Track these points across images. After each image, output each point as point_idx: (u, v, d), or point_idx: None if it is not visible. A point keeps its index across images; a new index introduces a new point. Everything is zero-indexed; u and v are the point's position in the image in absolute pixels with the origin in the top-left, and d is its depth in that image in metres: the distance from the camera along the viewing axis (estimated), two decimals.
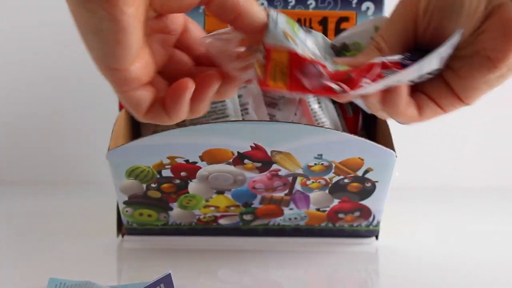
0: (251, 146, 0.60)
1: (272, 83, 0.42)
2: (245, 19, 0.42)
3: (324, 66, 0.43)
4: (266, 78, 0.42)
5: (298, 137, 0.59)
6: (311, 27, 0.70)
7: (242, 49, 0.43)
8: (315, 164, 0.62)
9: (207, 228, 0.70)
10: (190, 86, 0.41)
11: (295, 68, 0.42)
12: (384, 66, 0.43)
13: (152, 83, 0.42)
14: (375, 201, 0.66)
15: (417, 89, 0.46)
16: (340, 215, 0.68)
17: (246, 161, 0.61)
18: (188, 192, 0.65)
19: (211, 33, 0.44)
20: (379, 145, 0.61)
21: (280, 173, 0.63)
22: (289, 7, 0.70)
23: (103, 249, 0.68)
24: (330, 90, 0.42)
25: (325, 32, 0.70)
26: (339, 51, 0.47)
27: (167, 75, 0.44)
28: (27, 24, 1.02)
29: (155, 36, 0.43)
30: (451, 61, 0.45)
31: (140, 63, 0.40)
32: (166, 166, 0.62)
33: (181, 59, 0.45)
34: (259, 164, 0.62)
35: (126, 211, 0.67)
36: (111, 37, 0.38)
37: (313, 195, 0.66)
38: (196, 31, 0.45)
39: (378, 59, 0.43)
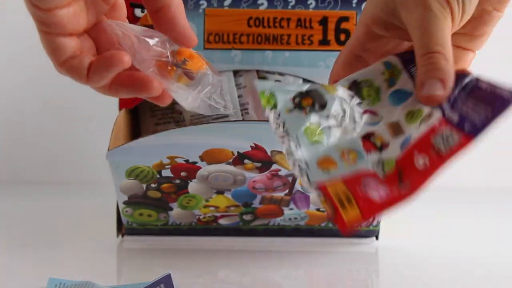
0: (251, 146, 0.60)
1: (348, 217, 0.38)
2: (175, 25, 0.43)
3: (375, 175, 0.40)
4: (341, 218, 0.37)
5: None
6: (311, 27, 0.70)
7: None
8: None
9: (207, 228, 0.70)
10: (125, 60, 0.42)
11: (355, 189, 0.39)
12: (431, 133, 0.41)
13: (79, 38, 0.42)
14: None
15: None
16: None
17: (246, 161, 0.61)
18: (188, 192, 0.65)
19: (127, 24, 0.44)
20: None
21: (280, 173, 0.63)
22: (289, 7, 0.70)
23: (103, 249, 0.68)
24: (398, 196, 0.39)
25: (325, 32, 0.70)
26: (356, 91, 0.46)
27: (94, 40, 0.44)
28: (26, 25, 1.02)
29: None
30: (460, 28, 0.46)
31: (68, 10, 0.40)
32: (166, 166, 0.62)
33: (107, 29, 0.44)
34: (259, 164, 0.61)
35: (126, 211, 0.67)
36: None
37: (313, 195, 0.66)
38: (123, 9, 0.45)
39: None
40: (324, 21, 0.70)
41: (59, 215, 0.82)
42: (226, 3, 0.70)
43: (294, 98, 0.44)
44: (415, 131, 0.42)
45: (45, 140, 1.03)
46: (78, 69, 0.42)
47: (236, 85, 0.71)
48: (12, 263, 0.64)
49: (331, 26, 0.70)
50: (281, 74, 0.71)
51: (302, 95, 0.44)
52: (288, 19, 0.70)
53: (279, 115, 0.43)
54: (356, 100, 0.45)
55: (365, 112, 0.45)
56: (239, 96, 0.70)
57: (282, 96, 0.44)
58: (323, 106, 0.44)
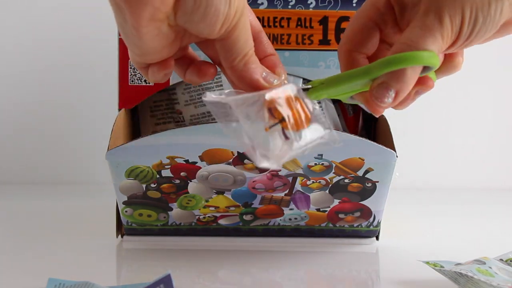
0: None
1: None
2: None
3: None
4: None
5: None
6: (311, 27, 0.70)
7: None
8: (315, 164, 0.62)
9: (207, 228, 0.70)
10: (211, 73, 0.48)
11: None
12: None
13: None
14: (375, 201, 0.66)
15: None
16: (341, 215, 0.68)
17: (246, 161, 0.61)
18: (188, 192, 0.65)
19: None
20: (380, 145, 0.61)
21: (280, 173, 0.63)
22: (289, 7, 0.70)
23: (103, 250, 0.68)
24: None
25: (325, 32, 0.70)
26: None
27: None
28: (25, 24, 1.02)
29: None
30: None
31: (157, 57, 0.46)
32: (166, 166, 0.62)
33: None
34: None
35: (126, 211, 0.67)
36: (131, 39, 0.44)
37: (313, 195, 0.66)
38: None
39: None
40: (324, 21, 0.70)
41: (59, 215, 0.82)
42: None
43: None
44: None
45: (44, 140, 1.03)
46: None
47: None
48: (12, 263, 0.64)
49: (331, 26, 0.70)
50: None
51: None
52: (288, 19, 0.70)
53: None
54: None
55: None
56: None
57: None
58: None
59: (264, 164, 0.44)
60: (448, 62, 0.49)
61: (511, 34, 0.48)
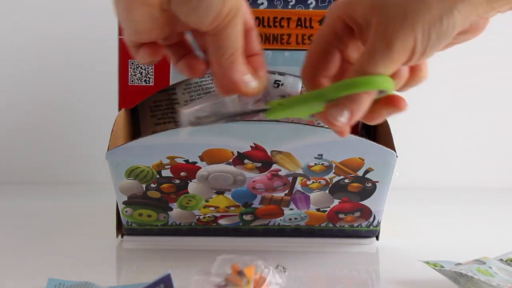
0: (251, 146, 0.60)
1: None
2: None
3: None
4: None
5: (298, 137, 0.59)
6: (311, 27, 0.70)
7: None
8: (315, 164, 0.62)
9: (207, 228, 0.70)
10: (201, 70, 0.50)
11: None
12: None
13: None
14: (375, 201, 0.66)
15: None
16: (341, 215, 0.68)
17: (246, 161, 0.61)
18: (188, 192, 0.65)
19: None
20: (380, 145, 0.61)
21: (280, 173, 0.63)
22: (289, 7, 0.70)
23: (103, 250, 0.68)
24: None
25: None
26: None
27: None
28: (26, 26, 1.02)
29: None
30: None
31: (148, 37, 0.47)
32: (166, 166, 0.62)
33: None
34: (259, 164, 0.61)
35: (126, 211, 0.67)
36: (122, 18, 0.45)
37: (313, 195, 0.66)
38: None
39: None
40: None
41: (59, 215, 0.82)
42: None
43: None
44: None
45: (44, 140, 1.03)
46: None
47: None
48: (12, 263, 0.64)
49: None
50: (281, 74, 0.71)
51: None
52: (288, 19, 0.70)
53: None
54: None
55: None
56: (238, 96, 0.70)
57: None
58: None
59: None
60: (412, 77, 0.49)
61: (469, 39, 0.48)
